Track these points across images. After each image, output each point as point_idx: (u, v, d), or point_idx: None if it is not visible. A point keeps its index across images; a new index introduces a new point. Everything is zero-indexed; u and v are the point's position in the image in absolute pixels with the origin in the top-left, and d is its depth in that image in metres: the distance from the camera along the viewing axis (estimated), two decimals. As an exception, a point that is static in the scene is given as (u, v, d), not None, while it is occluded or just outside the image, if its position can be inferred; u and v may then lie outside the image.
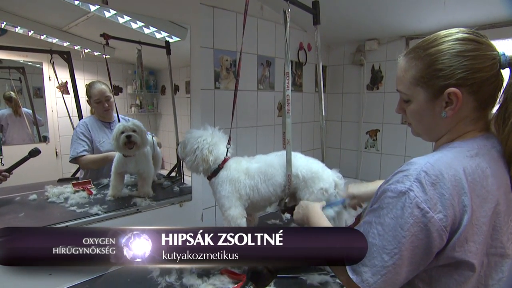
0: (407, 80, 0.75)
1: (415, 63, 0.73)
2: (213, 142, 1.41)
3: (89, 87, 1.73)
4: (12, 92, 1.55)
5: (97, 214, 1.47)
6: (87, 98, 1.74)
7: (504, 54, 0.71)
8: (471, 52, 0.69)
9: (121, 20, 1.63)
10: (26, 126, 1.61)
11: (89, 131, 1.71)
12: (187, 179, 1.91)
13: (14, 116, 1.57)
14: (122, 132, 1.61)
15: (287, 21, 1.42)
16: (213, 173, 1.42)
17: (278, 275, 1.17)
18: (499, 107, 0.72)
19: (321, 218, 1.05)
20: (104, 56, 1.69)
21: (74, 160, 1.66)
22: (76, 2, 1.45)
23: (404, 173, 0.66)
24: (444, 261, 0.65)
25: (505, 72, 0.72)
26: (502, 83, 0.72)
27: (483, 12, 1.89)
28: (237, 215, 1.35)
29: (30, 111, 1.61)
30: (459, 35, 0.70)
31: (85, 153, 1.67)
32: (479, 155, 0.69)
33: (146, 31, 1.76)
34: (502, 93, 0.72)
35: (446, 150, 0.71)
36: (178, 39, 1.80)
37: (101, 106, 1.74)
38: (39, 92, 1.63)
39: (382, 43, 2.53)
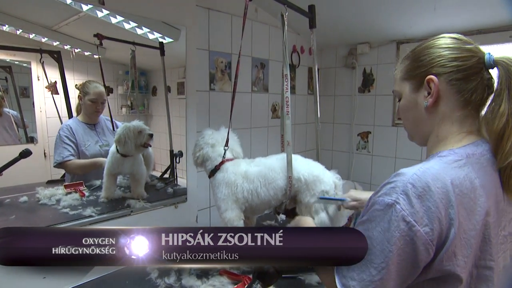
0: (398, 78, 0.82)
1: (405, 62, 0.80)
2: (208, 141, 1.45)
3: (88, 84, 1.70)
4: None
5: (90, 216, 1.46)
6: (80, 94, 1.69)
7: (489, 54, 0.73)
8: (450, 45, 0.74)
9: (113, 20, 1.61)
10: (7, 127, 1.56)
11: (74, 134, 1.67)
12: (181, 181, 1.90)
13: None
14: (140, 131, 1.61)
15: (284, 24, 1.44)
16: (211, 173, 1.44)
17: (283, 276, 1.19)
18: (487, 107, 0.73)
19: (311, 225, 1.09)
20: (95, 56, 1.68)
21: (59, 165, 1.62)
22: (69, 1, 1.43)
23: (391, 185, 0.66)
24: (433, 274, 0.65)
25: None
26: (491, 84, 0.73)
27: (473, 17, 1.95)
28: (234, 217, 1.36)
29: (13, 112, 1.57)
30: (445, 35, 0.77)
31: (71, 157, 1.63)
32: (468, 164, 0.68)
33: (139, 31, 1.75)
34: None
35: (435, 160, 0.70)
36: (171, 40, 1.80)
37: (94, 107, 1.71)
38: (26, 92, 1.59)
39: (373, 47, 2.58)
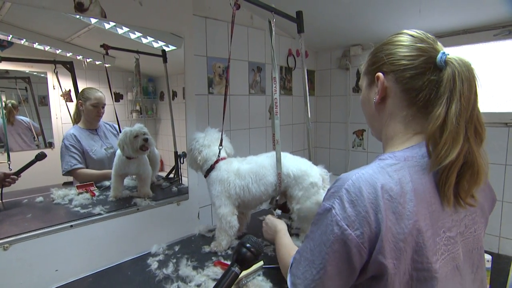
0: (362, 72, 0.84)
1: (368, 56, 0.82)
2: (204, 143, 1.50)
3: (89, 90, 1.74)
4: (12, 101, 1.58)
5: (99, 214, 1.54)
6: (80, 100, 1.74)
7: (443, 53, 0.69)
8: (403, 42, 0.73)
9: (120, 31, 1.69)
10: (21, 133, 1.62)
11: (79, 141, 1.71)
12: (185, 180, 1.97)
13: (7, 124, 1.56)
14: (136, 136, 1.65)
15: (272, 30, 1.51)
16: (206, 172, 1.51)
17: (266, 266, 1.26)
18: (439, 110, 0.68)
19: (285, 236, 1.20)
20: (106, 65, 1.75)
21: (68, 173, 1.67)
22: (77, 16, 1.51)
23: (331, 190, 0.68)
24: (370, 274, 0.66)
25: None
26: (441, 85, 0.68)
27: (457, 18, 1.97)
28: (227, 213, 1.43)
29: (26, 119, 1.63)
30: (406, 31, 0.75)
31: (78, 165, 1.69)
32: (404, 168, 0.68)
33: (144, 40, 1.83)
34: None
35: (374, 163, 0.70)
36: (174, 47, 1.88)
37: (95, 111, 1.76)
38: (44, 100, 1.67)
39: (365, 48, 2.63)
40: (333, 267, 0.65)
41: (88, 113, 1.77)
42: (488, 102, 2.09)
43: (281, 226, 1.27)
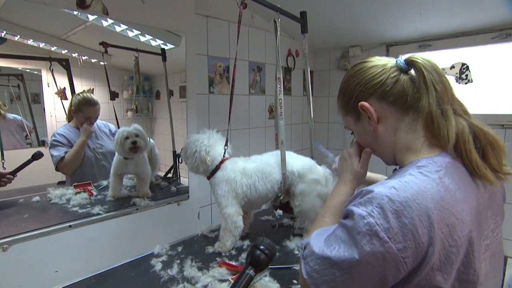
0: (342, 115, 0.86)
1: (339, 99, 0.86)
2: (209, 144, 1.48)
3: (83, 101, 1.71)
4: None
5: (98, 214, 1.52)
6: (72, 107, 1.70)
7: (399, 59, 0.76)
8: (361, 70, 0.78)
9: (118, 29, 1.68)
10: (14, 131, 1.61)
11: (67, 140, 1.69)
12: (183, 180, 1.97)
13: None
14: (126, 138, 1.64)
15: (277, 30, 1.51)
16: (211, 173, 1.49)
17: (272, 267, 1.26)
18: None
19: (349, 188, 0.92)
20: (101, 63, 1.73)
21: (57, 167, 1.65)
22: (75, 12, 1.47)
23: (367, 196, 0.62)
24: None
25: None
26: (415, 81, 0.73)
27: (455, 21, 2.01)
28: (233, 213, 1.43)
29: (18, 117, 1.61)
30: (355, 64, 0.82)
31: (63, 154, 1.66)
32: (447, 175, 0.64)
33: (142, 39, 1.81)
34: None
35: (414, 171, 0.65)
36: (172, 46, 1.87)
37: (87, 122, 1.74)
38: (37, 98, 1.66)
39: (364, 50, 2.65)
40: (361, 277, 0.60)
41: (79, 121, 1.75)
42: (485, 104, 2.15)
43: (355, 168, 0.91)
